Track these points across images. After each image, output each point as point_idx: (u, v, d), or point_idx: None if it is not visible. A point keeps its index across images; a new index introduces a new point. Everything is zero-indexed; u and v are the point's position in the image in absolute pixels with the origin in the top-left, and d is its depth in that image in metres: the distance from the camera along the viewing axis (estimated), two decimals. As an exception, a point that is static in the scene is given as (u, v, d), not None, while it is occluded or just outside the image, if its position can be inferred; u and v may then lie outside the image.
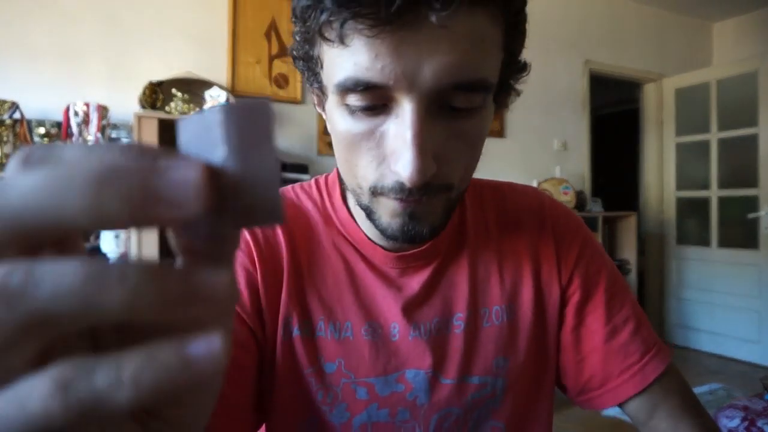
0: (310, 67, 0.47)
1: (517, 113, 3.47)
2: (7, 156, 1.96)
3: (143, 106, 2.21)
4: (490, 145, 0.56)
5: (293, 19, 0.45)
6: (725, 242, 3.85)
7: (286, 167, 2.57)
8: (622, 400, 0.57)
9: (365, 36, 0.38)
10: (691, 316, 4.02)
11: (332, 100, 0.45)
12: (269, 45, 2.69)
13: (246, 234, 0.55)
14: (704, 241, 3.97)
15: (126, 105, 2.26)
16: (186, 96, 2.24)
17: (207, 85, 2.38)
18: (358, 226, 0.55)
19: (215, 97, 2.28)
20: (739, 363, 3.66)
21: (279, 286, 0.54)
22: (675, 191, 4.14)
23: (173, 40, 2.48)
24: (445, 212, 0.46)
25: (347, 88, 0.40)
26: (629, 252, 3.63)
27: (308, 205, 0.58)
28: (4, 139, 1.95)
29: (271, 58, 2.69)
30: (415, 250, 0.54)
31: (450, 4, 0.36)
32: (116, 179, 0.15)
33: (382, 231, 0.46)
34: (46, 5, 2.24)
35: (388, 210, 0.45)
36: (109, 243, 2.09)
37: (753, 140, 3.69)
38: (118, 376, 0.14)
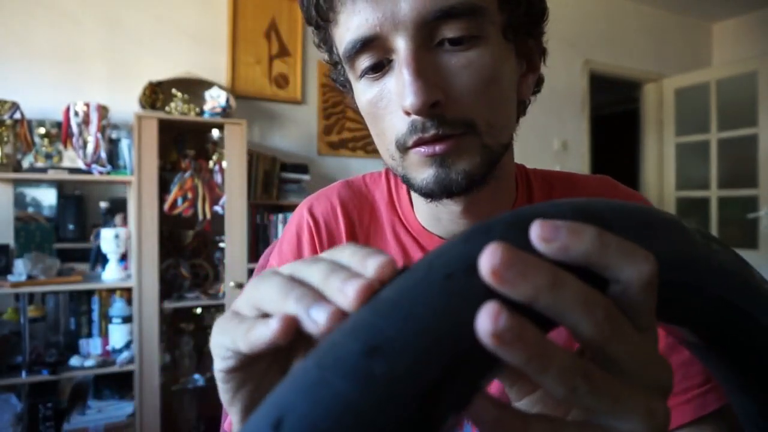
0: (338, 69, 0.50)
1: (517, 113, 3.46)
2: (7, 156, 1.96)
3: (143, 106, 2.21)
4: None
5: (313, 33, 0.50)
6: (725, 242, 3.84)
7: (286, 167, 2.57)
8: (672, 426, 0.48)
9: (346, 1, 0.42)
10: (691, 316, 4.02)
11: (353, 82, 0.48)
12: (269, 45, 2.69)
13: (309, 222, 0.58)
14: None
15: (126, 105, 2.26)
16: (186, 96, 2.24)
17: (207, 85, 2.38)
18: (418, 219, 0.55)
19: (215, 97, 2.28)
20: (739, 363, 3.66)
21: None
22: (675, 191, 4.14)
23: (173, 40, 2.48)
24: (483, 161, 0.44)
25: (350, 55, 0.43)
26: (629, 252, 3.63)
27: (375, 193, 0.59)
28: (4, 139, 1.95)
29: (271, 58, 2.69)
30: None
31: None
32: None
33: (420, 191, 0.46)
34: (46, 5, 2.24)
35: (417, 164, 0.45)
36: (109, 243, 2.09)
37: (753, 140, 3.69)
38: None
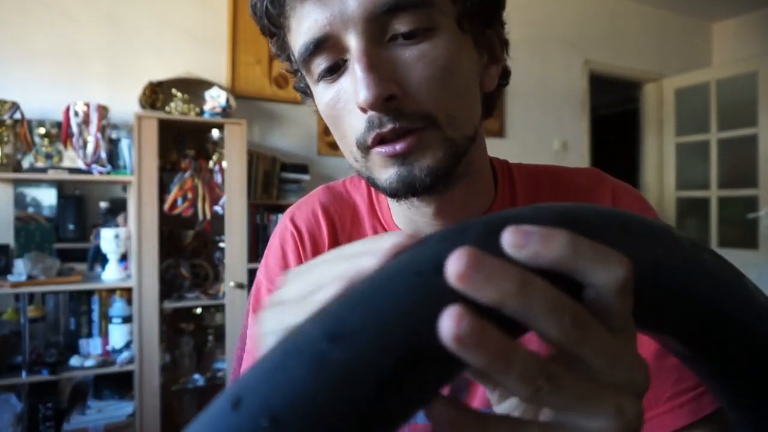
0: (298, 76, 0.50)
1: (517, 113, 3.47)
2: (7, 156, 1.96)
3: (143, 106, 2.21)
4: (490, 145, 0.54)
5: (270, 42, 0.50)
6: (725, 242, 3.85)
7: (286, 167, 2.57)
8: (666, 431, 0.46)
9: (294, 6, 0.42)
10: (691, 316, 4.01)
11: (312, 87, 0.47)
12: (269, 45, 2.68)
13: (293, 231, 0.57)
14: (704, 241, 3.96)
15: (126, 105, 2.26)
16: (186, 96, 2.24)
17: (207, 85, 2.38)
18: (395, 223, 0.55)
19: (215, 97, 2.28)
20: (739, 363, 3.65)
21: None
22: (675, 191, 4.14)
23: (173, 40, 2.48)
24: (446, 155, 0.43)
25: (305, 58, 0.43)
26: (629, 252, 3.63)
27: (356, 197, 0.59)
28: (4, 139, 1.95)
29: (271, 58, 2.69)
30: None
31: None
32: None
33: (385, 191, 0.45)
34: (46, 5, 2.24)
35: (379, 164, 0.44)
36: (109, 243, 2.09)
37: (753, 140, 3.69)
38: None
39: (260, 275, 0.59)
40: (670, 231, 0.24)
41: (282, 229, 0.59)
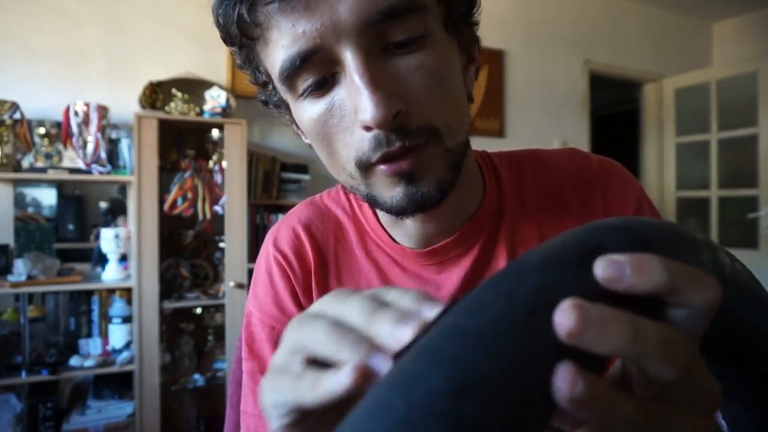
0: (268, 89, 0.47)
1: (517, 113, 3.46)
2: (7, 156, 1.96)
3: (143, 106, 2.21)
4: (490, 145, 0.54)
5: (232, 51, 0.46)
6: (725, 242, 3.84)
7: (286, 167, 2.57)
8: None
9: (275, 15, 0.38)
10: (691, 316, 4.01)
11: (292, 102, 0.44)
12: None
13: (277, 257, 0.56)
14: (704, 241, 3.96)
15: (126, 105, 2.26)
16: (186, 96, 2.24)
17: (207, 85, 2.37)
18: (386, 231, 0.54)
19: (215, 97, 2.28)
20: (739, 363, 3.65)
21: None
22: (675, 191, 4.14)
23: (173, 40, 2.48)
24: (449, 167, 0.42)
25: (289, 73, 0.39)
26: (629, 252, 3.63)
27: (337, 211, 0.58)
28: (4, 139, 1.95)
29: (271, 58, 2.68)
30: (447, 240, 0.51)
31: None
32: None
33: (391, 210, 0.43)
34: (46, 5, 2.24)
35: (384, 182, 0.42)
36: (109, 243, 2.09)
37: (753, 140, 3.69)
38: None
39: (250, 306, 0.57)
40: (711, 244, 0.25)
41: (266, 255, 0.57)
